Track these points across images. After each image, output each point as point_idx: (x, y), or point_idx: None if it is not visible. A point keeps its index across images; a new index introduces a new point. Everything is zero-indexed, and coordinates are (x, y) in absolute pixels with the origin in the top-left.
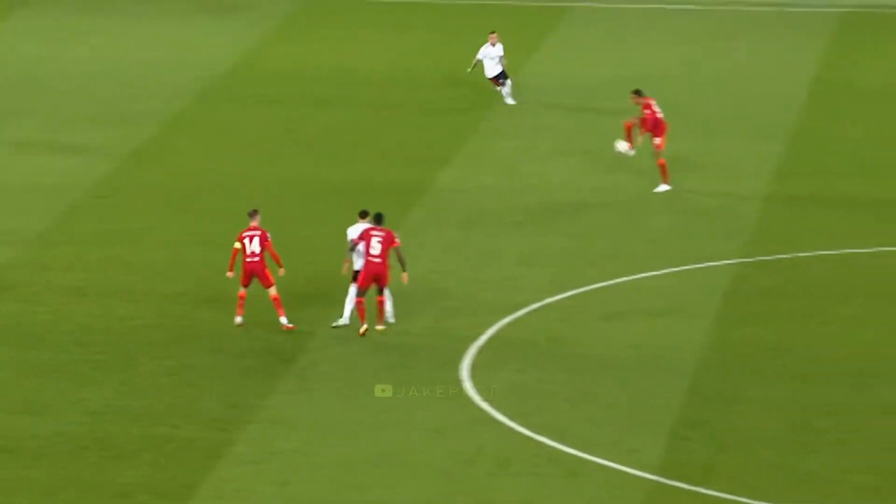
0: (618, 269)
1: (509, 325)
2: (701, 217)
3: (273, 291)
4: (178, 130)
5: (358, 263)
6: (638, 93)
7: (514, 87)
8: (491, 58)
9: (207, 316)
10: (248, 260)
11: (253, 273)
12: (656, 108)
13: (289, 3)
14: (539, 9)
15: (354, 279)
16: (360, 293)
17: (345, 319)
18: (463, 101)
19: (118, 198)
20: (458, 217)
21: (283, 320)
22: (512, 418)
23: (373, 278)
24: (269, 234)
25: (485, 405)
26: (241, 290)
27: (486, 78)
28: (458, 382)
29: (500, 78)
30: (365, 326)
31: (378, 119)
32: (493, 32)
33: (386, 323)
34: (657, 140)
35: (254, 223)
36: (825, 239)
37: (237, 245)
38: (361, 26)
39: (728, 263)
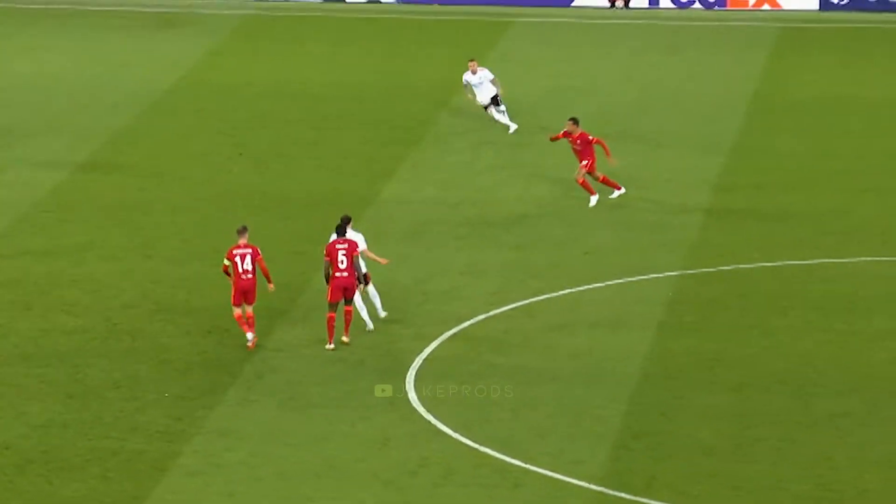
0: (560, 281)
1: (453, 336)
2: (642, 229)
3: (251, 309)
4: (122, 145)
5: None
6: (575, 121)
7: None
8: (476, 84)
9: (153, 328)
10: (242, 278)
11: (246, 290)
12: (588, 138)
13: (232, 19)
14: (483, 23)
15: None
16: (332, 308)
17: (369, 326)
18: (405, 115)
19: (63, 211)
20: (402, 230)
21: (251, 336)
22: (456, 429)
23: (342, 291)
24: (259, 251)
25: (429, 416)
26: (237, 311)
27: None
28: (403, 393)
29: (492, 104)
30: (331, 346)
31: (321, 132)
32: (472, 60)
33: (371, 321)
34: (585, 162)
35: (243, 240)
36: (764, 251)
37: (226, 262)
38: (304, 41)
39: (669, 275)
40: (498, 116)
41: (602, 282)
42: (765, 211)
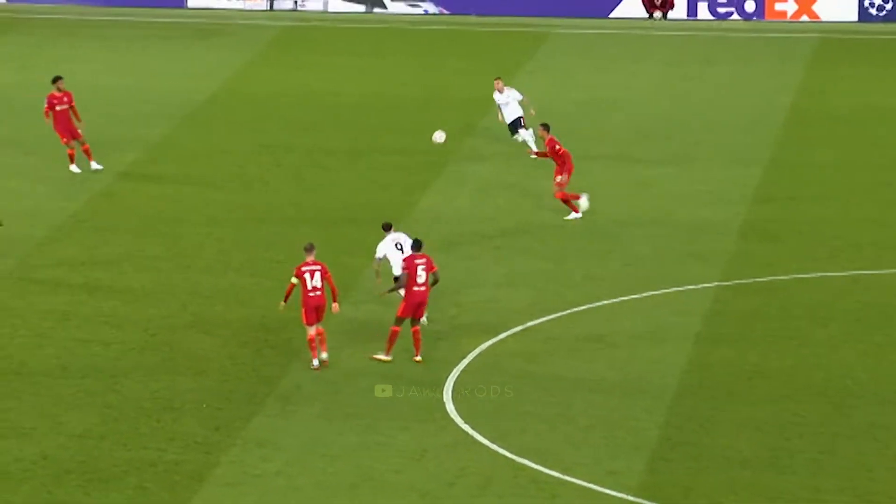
0: (597, 292)
1: (490, 347)
2: (679, 241)
3: (321, 326)
4: (158, 156)
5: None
6: (546, 127)
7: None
8: (503, 103)
9: (190, 339)
10: (311, 295)
11: (318, 308)
12: (558, 145)
13: (268, 30)
14: (520, 34)
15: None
16: (399, 322)
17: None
18: (441, 126)
19: (100, 222)
20: (438, 241)
21: (324, 356)
22: (493, 440)
23: (416, 307)
24: (328, 268)
25: (466, 427)
26: (310, 332)
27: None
28: (440, 404)
29: (516, 125)
30: (387, 357)
31: (357, 144)
32: (497, 78)
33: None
34: (559, 178)
35: (310, 258)
36: (801, 263)
37: (294, 280)
38: (340, 52)
39: (706, 287)
40: (525, 136)
41: (639, 293)
42: (801, 222)
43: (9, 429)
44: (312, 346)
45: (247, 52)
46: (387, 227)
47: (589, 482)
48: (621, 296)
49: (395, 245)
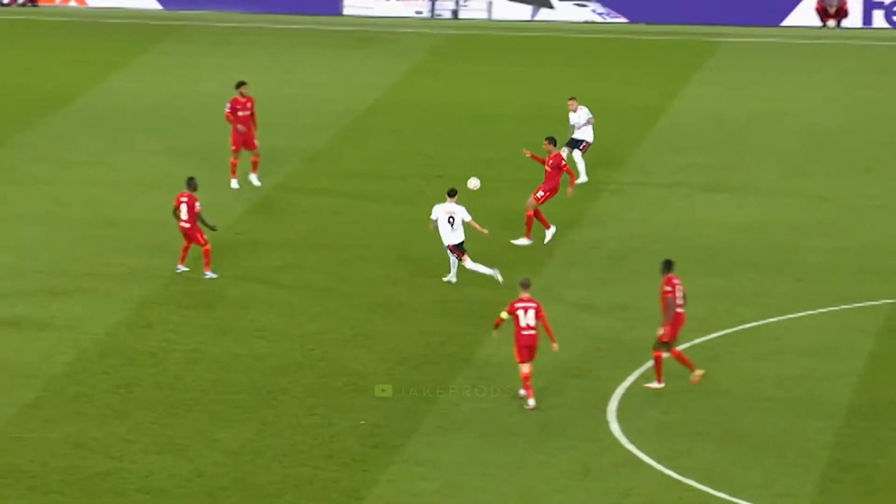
0: (767, 308)
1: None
2: (852, 256)
3: (530, 368)
4: (318, 166)
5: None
6: (552, 141)
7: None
8: (574, 123)
9: (348, 355)
10: (525, 333)
11: (526, 347)
12: (563, 163)
13: (430, 38)
14: (689, 43)
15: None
16: (661, 347)
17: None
18: (607, 138)
19: (257, 234)
20: (604, 254)
21: (532, 403)
22: (659, 460)
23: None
24: (542, 306)
25: (631, 447)
26: (524, 370)
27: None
28: (604, 423)
29: (576, 145)
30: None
31: (519, 155)
32: (571, 98)
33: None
34: (540, 193)
35: (526, 294)
36: None
37: (504, 315)
38: (503, 61)
39: (881, 303)
40: (577, 158)
41: (810, 310)
42: None
43: (164, 444)
44: (527, 384)
45: (407, 61)
46: (451, 194)
47: None
48: (792, 312)
49: (448, 218)
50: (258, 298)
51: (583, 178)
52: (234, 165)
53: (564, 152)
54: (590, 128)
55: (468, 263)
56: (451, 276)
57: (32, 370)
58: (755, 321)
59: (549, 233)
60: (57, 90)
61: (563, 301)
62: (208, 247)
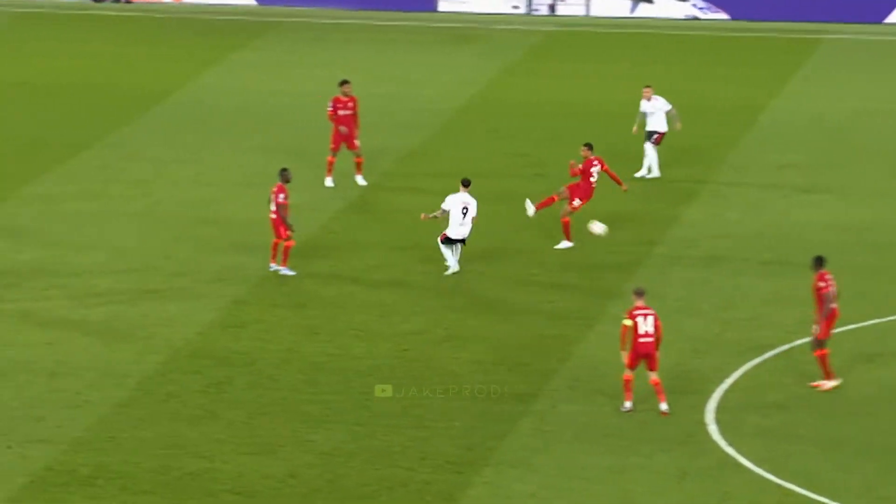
0: (868, 310)
1: (756, 366)
2: None
3: (656, 376)
4: (413, 165)
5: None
6: (590, 147)
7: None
8: (649, 113)
9: (443, 355)
10: (641, 341)
11: (645, 355)
12: (595, 171)
13: (529, 35)
14: (790, 41)
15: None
16: (630, 370)
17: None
18: (706, 136)
19: (351, 234)
20: (703, 254)
21: (664, 407)
22: (759, 463)
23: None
24: (657, 316)
25: (730, 449)
26: (628, 374)
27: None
28: (702, 425)
29: (649, 137)
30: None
31: (619, 153)
32: (647, 86)
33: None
34: (577, 202)
35: (641, 301)
36: None
37: (627, 322)
38: (603, 59)
39: None
40: (648, 150)
41: None
42: None
43: (257, 445)
44: (627, 387)
45: (503, 58)
46: (466, 184)
47: None
48: (893, 314)
49: (462, 209)
50: (352, 298)
51: (655, 173)
52: (330, 164)
53: (651, 152)
54: (663, 117)
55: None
56: (453, 265)
57: (125, 369)
58: (857, 323)
59: (565, 245)
60: (151, 87)
61: (661, 302)
62: (290, 243)
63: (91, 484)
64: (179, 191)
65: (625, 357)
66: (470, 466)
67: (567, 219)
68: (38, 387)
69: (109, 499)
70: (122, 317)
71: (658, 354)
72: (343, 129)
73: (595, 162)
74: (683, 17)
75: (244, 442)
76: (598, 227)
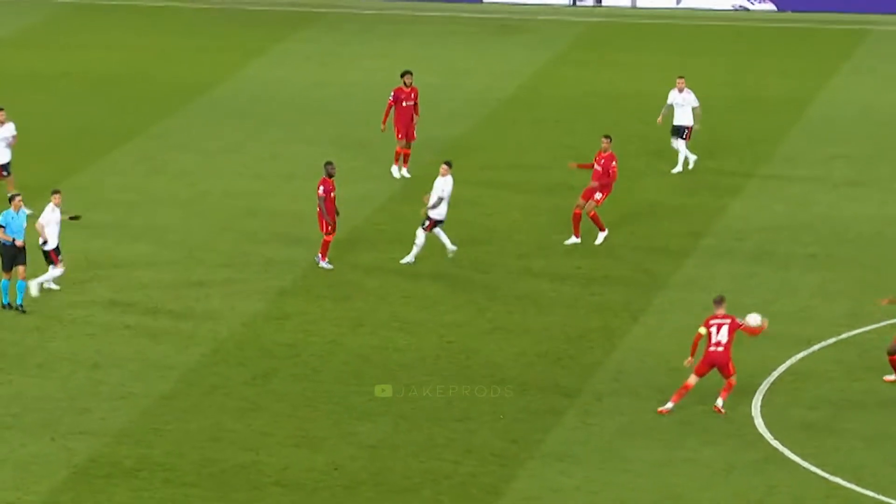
0: None
1: (803, 359)
2: None
3: (734, 379)
4: (457, 156)
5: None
6: (609, 139)
7: (691, 155)
8: (679, 105)
9: (487, 347)
10: (712, 349)
11: (714, 364)
12: (615, 162)
13: (575, 26)
14: (838, 32)
15: (424, 225)
16: (697, 377)
17: (410, 258)
18: (754, 128)
19: (394, 225)
20: (750, 248)
21: (720, 403)
22: (805, 458)
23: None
24: (738, 322)
25: (776, 443)
26: (692, 380)
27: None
28: (748, 419)
29: (680, 133)
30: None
31: (665, 146)
32: (680, 77)
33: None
34: (598, 195)
35: (721, 310)
36: None
37: (702, 331)
38: (649, 50)
39: None
40: (679, 146)
41: None
42: None
43: (301, 438)
44: (682, 392)
45: (549, 50)
46: (449, 165)
47: None
48: None
49: (441, 191)
50: (397, 289)
51: (691, 165)
52: (398, 154)
53: (681, 147)
54: (690, 111)
55: (421, 233)
56: (450, 247)
57: (169, 361)
58: None
59: (573, 241)
60: (197, 78)
61: (707, 294)
62: (328, 237)
63: (135, 476)
64: (224, 182)
65: (689, 362)
66: (514, 459)
67: (592, 213)
68: (82, 378)
69: (153, 491)
70: (166, 308)
71: (731, 363)
72: (396, 119)
73: (613, 156)
74: (731, 8)
75: (289, 434)
76: (756, 320)
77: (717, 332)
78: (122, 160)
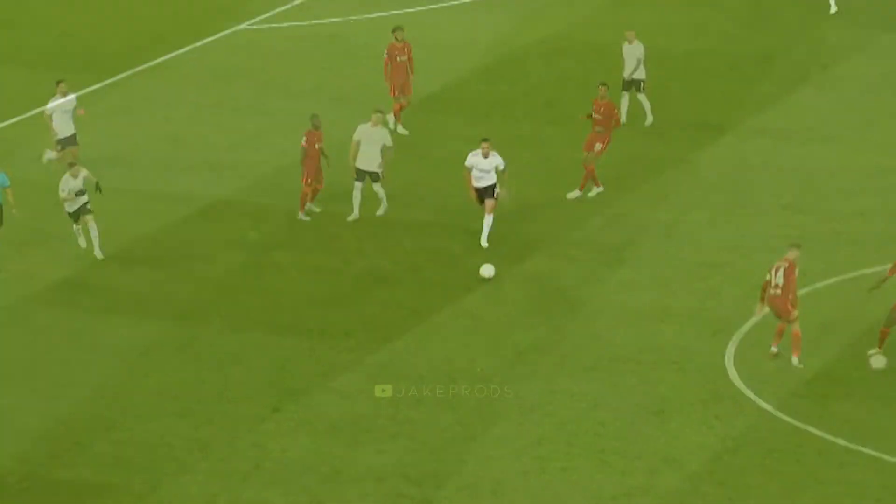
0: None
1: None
2: None
3: (796, 327)
4: (476, 117)
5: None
6: (606, 86)
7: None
8: (628, 56)
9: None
10: (770, 292)
11: (772, 307)
12: (613, 111)
13: None
14: None
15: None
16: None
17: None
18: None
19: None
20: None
21: (795, 360)
22: (779, 408)
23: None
24: (795, 267)
25: (749, 392)
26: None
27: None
28: (721, 368)
29: (630, 86)
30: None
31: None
32: (629, 30)
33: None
34: (598, 146)
35: (790, 253)
36: None
37: (769, 276)
38: (672, 4)
39: None
40: (643, 100)
41: None
42: None
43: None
44: (776, 332)
45: (576, 5)
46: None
47: (881, 452)
48: None
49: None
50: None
51: (649, 119)
52: (397, 110)
53: (643, 100)
54: (635, 60)
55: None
56: (384, 207)
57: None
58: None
59: (597, 191)
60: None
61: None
62: (306, 190)
63: None
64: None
65: (760, 308)
66: None
67: (591, 167)
68: None
69: None
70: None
71: (792, 309)
72: (392, 75)
73: (611, 105)
74: None
75: None
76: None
77: (775, 275)
78: None
